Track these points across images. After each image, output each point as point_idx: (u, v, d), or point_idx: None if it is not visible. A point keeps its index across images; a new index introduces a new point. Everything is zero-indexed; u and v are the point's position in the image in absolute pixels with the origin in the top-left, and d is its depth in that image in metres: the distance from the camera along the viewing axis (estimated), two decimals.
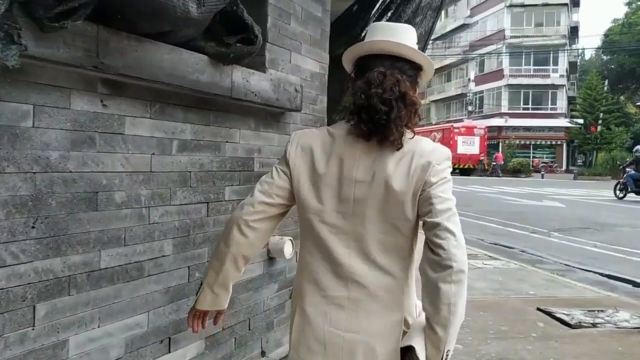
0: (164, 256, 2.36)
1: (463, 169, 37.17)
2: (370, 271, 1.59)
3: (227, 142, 2.74)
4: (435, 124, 48.55)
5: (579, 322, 5.20)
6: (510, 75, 44.66)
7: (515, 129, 43.25)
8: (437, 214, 1.50)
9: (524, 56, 44.58)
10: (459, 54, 50.61)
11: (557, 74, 44.51)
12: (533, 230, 12.47)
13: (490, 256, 9.49)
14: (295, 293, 1.73)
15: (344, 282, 1.60)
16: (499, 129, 43.35)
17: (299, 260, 1.73)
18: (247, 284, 2.97)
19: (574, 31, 48.49)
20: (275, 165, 1.71)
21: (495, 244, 10.97)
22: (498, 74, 45.41)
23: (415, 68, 1.65)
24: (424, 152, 1.56)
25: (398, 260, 1.60)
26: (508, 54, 44.94)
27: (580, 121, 40.28)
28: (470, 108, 46.19)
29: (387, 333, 1.59)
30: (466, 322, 5.67)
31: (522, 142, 43.13)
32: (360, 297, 1.59)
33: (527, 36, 44.14)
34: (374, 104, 1.49)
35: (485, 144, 38.60)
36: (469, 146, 37.63)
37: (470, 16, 49.93)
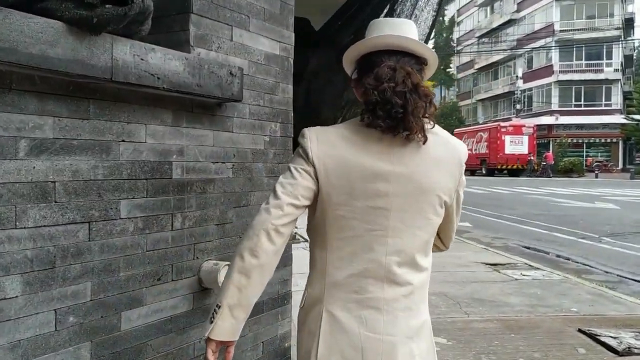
0: (5, 299, 1.71)
1: (511, 169, 35.93)
2: (406, 269, 1.57)
3: (122, 141, 2.08)
4: (482, 124, 46.99)
5: (628, 348, 4.41)
6: (561, 71, 42.96)
7: (566, 127, 41.52)
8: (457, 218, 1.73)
9: (574, 51, 42.71)
10: (506, 50, 48.89)
11: (611, 68, 42.47)
12: (582, 235, 11.51)
13: (530, 265, 8.63)
14: (314, 300, 1.62)
15: (381, 283, 1.56)
16: (549, 127, 41.66)
17: (317, 262, 1.63)
18: (165, 323, 2.30)
19: (628, 22, 46.13)
20: (292, 165, 1.58)
21: (539, 251, 10.09)
22: (547, 70, 43.73)
23: (420, 62, 1.64)
24: (452, 146, 1.62)
25: (428, 255, 1.63)
26: (558, 49, 43.15)
27: (638, 117, 38.15)
28: (518, 106, 44.54)
29: (420, 332, 1.61)
30: (492, 346, 4.93)
31: (574, 141, 41.30)
32: (397, 297, 1.56)
33: (578, 29, 42.31)
34: (388, 97, 1.47)
35: (535, 143, 37.19)
36: (517, 146, 36.35)
37: (518, 11, 48.28)
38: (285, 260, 3.04)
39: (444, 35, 62.61)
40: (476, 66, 55.61)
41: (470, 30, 57.47)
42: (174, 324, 2.34)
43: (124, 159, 2.09)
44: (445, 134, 1.64)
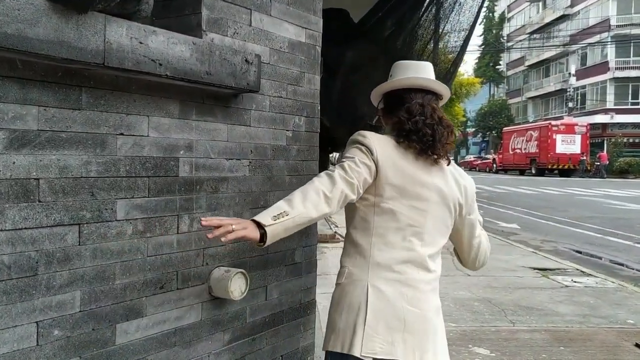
0: None
1: (562, 169, 34.83)
2: (432, 261, 1.93)
3: (120, 134, 1.87)
4: (533, 122, 45.61)
5: None
6: (617, 68, 41.23)
7: (622, 125, 39.86)
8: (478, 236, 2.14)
9: (632, 46, 40.87)
10: (559, 47, 47.30)
11: None
12: (639, 239, 10.86)
13: (582, 271, 8.15)
14: (357, 277, 1.87)
15: (417, 268, 1.88)
16: (604, 126, 40.06)
17: (360, 245, 1.90)
18: (168, 336, 2.08)
19: None
20: (354, 157, 1.84)
21: (591, 256, 9.55)
22: (602, 67, 42.07)
23: (437, 97, 2.06)
24: (465, 176, 2.06)
25: (440, 255, 2.01)
26: (614, 45, 41.39)
27: None
28: (570, 104, 43.04)
29: (439, 311, 1.95)
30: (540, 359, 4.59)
31: (631, 140, 39.53)
32: (428, 280, 1.91)
33: (636, 24, 40.39)
34: (419, 128, 1.89)
35: (588, 142, 35.88)
36: (569, 145, 35.17)
37: (571, 6, 46.65)
38: (309, 266, 2.80)
39: (494, 31, 61.17)
40: (527, 63, 54.04)
41: (521, 26, 55.88)
42: (178, 336, 2.12)
43: (122, 155, 1.87)
44: (460, 169, 2.09)
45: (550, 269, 8.41)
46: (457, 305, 6.44)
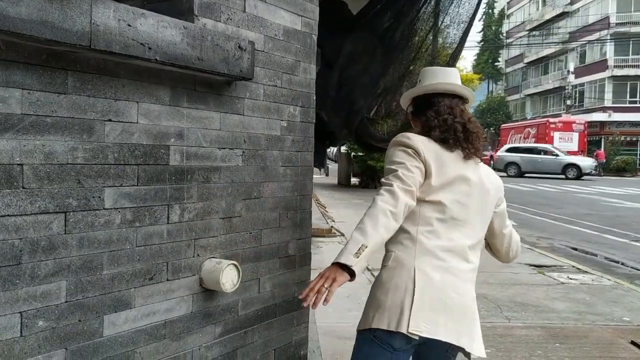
0: None
1: None
2: (472, 252, 2.03)
3: (108, 120, 1.81)
4: (531, 119, 45.59)
5: None
6: (616, 66, 41.17)
7: (620, 124, 39.86)
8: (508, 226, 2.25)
9: (631, 45, 40.85)
10: (558, 44, 47.24)
11: None
12: (635, 237, 10.87)
13: (578, 269, 8.13)
14: (403, 260, 1.94)
15: (458, 258, 1.98)
16: (601, 124, 40.06)
17: (407, 232, 1.96)
18: (158, 328, 2.03)
19: None
20: (405, 162, 1.94)
21: (587, 253, 9.53)
22: (601, 65, 42.02)
23: (464, 101, 2.16)
24: (491, 170, 2.18)
25: (480, 249, 2.11)
26: (613, 43, 41.34)
27: None
28: (569, 102, 42.99)
29: (475, 300, 2.04)
30: (535, 356, 4.50)
31: (628, 139, 39.53)
32: (468, 270, 2.00)
33: (636, 23, 40.34)
34: (450, 125, 2.02)
35: (585, 140, 35.81)
36: (567, 143, 35.11)
37: (571, 3, 46.53)
38: (304, 259, 2.75)
39: (493, 28, 61.07)
40: (526, 60, 53.98)
41: (521, 23, 55.78)
42: (168, 329, 2.07)
43: (110, 141, 1.82)
44: (488, 167, 2.16)
45: (546, 266, 8.38)
46: None
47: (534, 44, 51.92)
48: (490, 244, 2.27)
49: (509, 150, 32.02)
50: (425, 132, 2.05)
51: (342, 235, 10.66)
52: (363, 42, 5.14)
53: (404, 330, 1.85)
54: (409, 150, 1.96)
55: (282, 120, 2.55)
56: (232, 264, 2.19)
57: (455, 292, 1.94)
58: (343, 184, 23.76)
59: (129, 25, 1.70)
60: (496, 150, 42.80)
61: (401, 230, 1.95)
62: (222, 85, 2.21)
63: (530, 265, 8.45)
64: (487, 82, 61.54)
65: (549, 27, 49.81)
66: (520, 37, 54.93)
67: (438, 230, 1.96)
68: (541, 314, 5.89)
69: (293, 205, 2.65)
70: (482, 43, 59.90)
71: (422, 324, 1.86)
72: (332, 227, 10.76)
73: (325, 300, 1.76)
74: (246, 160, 2.37)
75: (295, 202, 2.66)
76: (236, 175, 2.32)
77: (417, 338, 1.86)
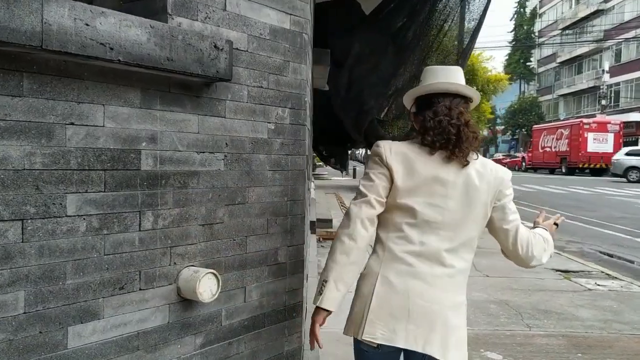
0: None
1: (594, 169, 33.91)
2: (451, 255, 1.97)
3: (70, 124, 1.74)
4: (564, 120, 44.61)
5: None
6: None
7: None
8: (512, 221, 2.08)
9: None
10: (592, 43, 46.15)
11: None
12: None
13: (607, 274, 7.84)
14: (372, 268, 1.99)
15: (430, 262, 1.94)
16: (638, 124, 38.90)
17: (379, 238, 2.01)
18: (130, 340, 1.95)
19: None
20: (369, 171, 2.02)
21: (618, 258, 9.19)
22: (638, 64, 40.81)
23: (467, 100, 2.10)
24: (490, 166, 2.06)
25: (470, 251, 2.03)
26: None
27: None
28: (603, 102, 41.91)
29: (458, 309, 1.99)
30: None
31: None
32: (442, 275, 1.95)
33: None
34: (445, 127, 1.96)
35: (621, 141, 34.74)
36: (601, 144, 34.21)
37: (605, 1, 45.36)
38: (296, 267, 2.65)
39: (525, 27, 60.05)
40: (558, 60, 52.89)
41: (554, 22, 54.70)
42: (142, 340, 1.99)
43: (73, 146, 1.75)
44: (488, 160, 2.08)
45: (573, 271, 8.11)
46: (472, 307, 6.22)
47: (567, 42, 50.85)
48: (499, 244, 2.18)
49: (629, 153, 29.17)
50: (422, 132, 2.02)
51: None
52: (375, 41, 5.03)
53: (359, 337, 1.93)
54: (376, 158, 2.01)
55: (270, 123, 2.45)
56: (211, 272, 2.10)
57: (422, 299, 1.91)
58: None
59: (87, 25, 1.63)
60: (528, 152, 42.07)
61: (376, 237, 2.03)
62: (200, 86, 2.12)
63: (557, 270, 8.19)
64: (519, 83, 60.53)
65: (582, 25, 48.73)
66: (553, 36, 53.87)
67: (409, 235, 1.95)
68: (564, 321, 5.67)
69: (283, 210, 2.55)
70: (513, 43, 58.93)
71: (378, 331, 1.90)
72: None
73: (317, 343, 2.00)
74: (229, 165, 2.28)
75: (286, 207, 2.56)
76: (217, 180, 2.23)
77: (374, 345, 1.92)
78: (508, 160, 45.97)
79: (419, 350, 1.88)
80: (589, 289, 7.02)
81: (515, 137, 58.00)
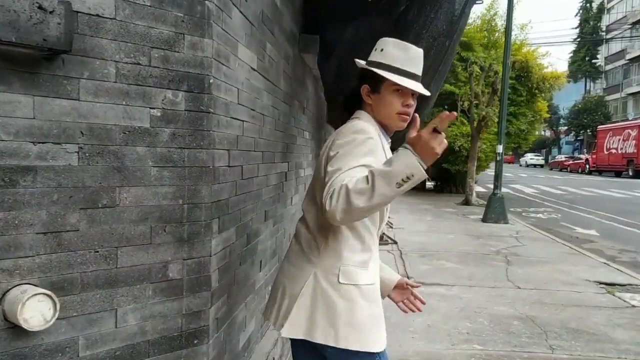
0: None
1: None
2: (301, 226, 2.10)
3: None
4: (632, 120, 42.12)
5: None
6: None
7: None
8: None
9: None
10: None
11: None
12: None
13: None
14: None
15: (294, 239, 2.12)
16: None
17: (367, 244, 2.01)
18: None
19: None
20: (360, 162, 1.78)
21: None
22: None
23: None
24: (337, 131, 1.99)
25: (306, 224, 2.09)
26: None
27: None
28: None
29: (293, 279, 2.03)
30: None
31: None
32: (296, 250, 2.07)
33: None
34: None
35: None
36: None
37: None
38: (198, 284, 2.18)
39: (591, 23, 57.26)
40: (628, 56, 50.08)
41: (623, 17, 51.84)
42: None
43: None
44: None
45: (619, 285, 7.29)
46: (493, 323, 5.59)
47: (638, 37, 48.08)
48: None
49: None
50: (385, 116, 2.05)
51: (395, 243, 9.94)
52: (369, 26, 4.52)
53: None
54: (365, 143, 1.92)
55: (154, 109, 2.00)
56: (43, 293, 1.67)
57: (278, 274, 2.14)
58: (417, 188, 22.81)
59: None
60: (592, 154, 39.94)
61: (360, 237, 2.05)
62: (35, 61, 1.69)
63: (600, 283, 7.40)
64: (584, 81, 57.80)
65: None
66: (622, 31, 51.06)
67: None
68: (595, 344, 4.98)
69: (176, 216, 2.09)
70: (578, 39, 56.30)
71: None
72: (383, 234, 10.07)
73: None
74: (86, 159, 1.84)
75: (180, 212, 2.10)
76: (67, 177, 1.80)
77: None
78: (571, 162, 43.88)
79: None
80: (633, 306, 6.24)
81: (579, 138, 55.32)
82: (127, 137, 1.94)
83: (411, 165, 1.60)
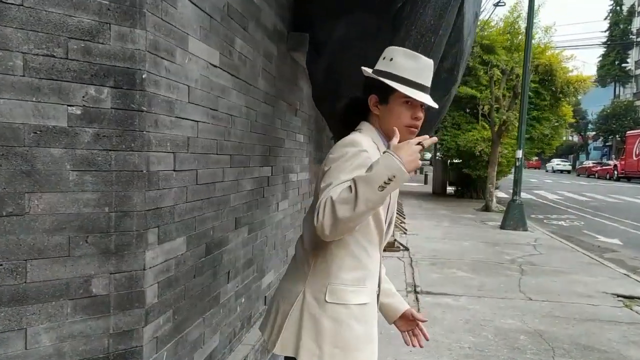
0: None
1: None
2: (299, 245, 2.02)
3: None
4: None
5: None
6: None
7: None
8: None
9: None
10: None
11: None
12: None
13: None
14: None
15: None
16: None
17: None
18: None
19: None
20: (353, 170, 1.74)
21: None
22: None
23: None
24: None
25: (302, 241, 2.02)
26: None
27: None
28: None
29: (285, 294, 1.96)
30: None
31: None
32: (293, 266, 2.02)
33: None
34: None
35: None
36: None
37: None
38: (127, 301, 1.97)
39: (621, 26, 56.03)
40: None
41: None
42: None
43: None
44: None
45: (638, 298, 6.89)
46: (498, 337, 5.27)
47: None
48: None
49: None
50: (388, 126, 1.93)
51: (406, 249, 9.65)
52: (362, 23, 4.30)
53: None
54: (357, 155, 1.85)
55: (73, 106, 1.80)
56: None
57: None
58: (438, 193, 22.41)
59: None
60: (621, 160, 38.93)
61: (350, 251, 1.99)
62: None
63: (618, 295, 7.00)
64: (613, 85, 56.53)
65: None
66: None
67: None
68: None
69: (101, 225, 1.88)
70: (607, 43, 55.12)
71: None
72: (395, 240, 9.79)
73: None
74: None
75: (106, 221, 1.90)
76: None
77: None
78: (599, 168, 42.81)
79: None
80: None
81: (607, 143, 54.05)
82: (39, 138, 1.74)
83: (391, 166, 1.60)
